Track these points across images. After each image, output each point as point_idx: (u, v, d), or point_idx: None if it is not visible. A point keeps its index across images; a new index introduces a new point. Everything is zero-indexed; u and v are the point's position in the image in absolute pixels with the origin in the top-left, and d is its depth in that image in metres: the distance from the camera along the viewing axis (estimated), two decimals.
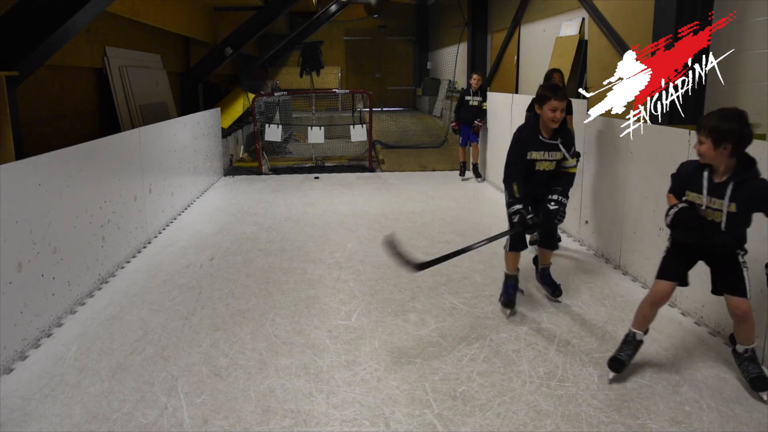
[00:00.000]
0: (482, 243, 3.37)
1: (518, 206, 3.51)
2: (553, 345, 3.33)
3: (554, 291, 3.97)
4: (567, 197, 3.70)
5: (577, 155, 3.89)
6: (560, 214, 3.68)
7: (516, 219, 3.49)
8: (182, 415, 2.69)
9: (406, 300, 4.01)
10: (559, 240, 4.74)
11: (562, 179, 3.70)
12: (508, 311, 3.74)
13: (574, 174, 3.77)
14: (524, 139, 3.66)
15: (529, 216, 3.51)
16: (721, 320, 3.39)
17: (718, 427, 2.59)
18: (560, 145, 3.65)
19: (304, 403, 2.78)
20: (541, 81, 5.45)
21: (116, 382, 2.97)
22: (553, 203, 3.63)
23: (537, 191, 3.71)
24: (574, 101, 5.40)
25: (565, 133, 3.68)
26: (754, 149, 3.11)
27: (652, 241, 4.10)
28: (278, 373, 3.05)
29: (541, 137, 3.65)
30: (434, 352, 3.27)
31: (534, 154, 3.65)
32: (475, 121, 8.07)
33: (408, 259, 3.14)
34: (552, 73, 5.40)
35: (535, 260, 4.18)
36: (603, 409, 2.72)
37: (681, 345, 3.33)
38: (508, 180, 3.64)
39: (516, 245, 3.79)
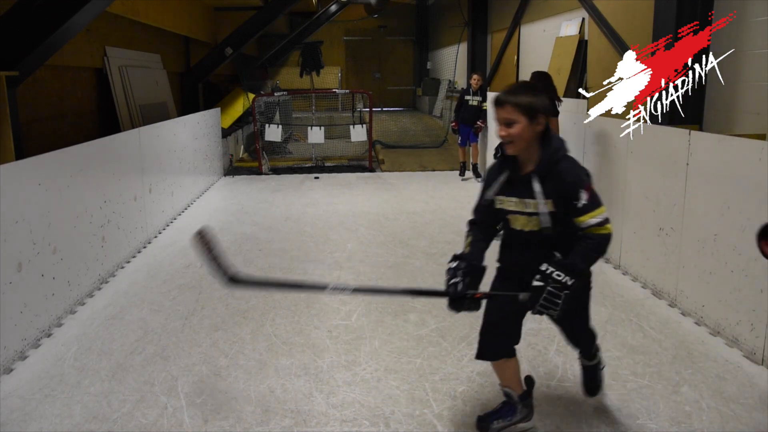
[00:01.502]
0: (400, 291, 2.45)
1: (454, 263, 2.26)
2: (553, 345, 3.33)
3: None
4: (575, 275, 2.13)
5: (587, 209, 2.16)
6: (549, 299, 2.13)
7: (446, 285, 2.24)
8: (182, 415, 2.69)
9: (406, 300, 4.01)
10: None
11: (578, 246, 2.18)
12: None
13: (602, 237, 2.17)
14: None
15: (458, 280, 2.21)
16: (721, 320, 3.39)
17: (718, 427, 2.58)
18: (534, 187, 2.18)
19: (304, 403, 2.78)
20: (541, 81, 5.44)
21: (116, 382, 2.97)
22: (542, 277, 2.15)
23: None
24: (575, 101, 5.40)
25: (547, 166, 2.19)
26: (754, 149, 3.11)
27: (652, 241, 4.10)
28: (278, 373, 3.05)
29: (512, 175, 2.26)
30: (434, 352, 3.27)
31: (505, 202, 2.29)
32: (478, 122, 8.10)
33: (222, 265, 2.30)
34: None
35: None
36: (603, 409, 2.72)
37: (681, 345, 3.33)
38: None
39: (487, 348, 2.40)
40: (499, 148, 5.21)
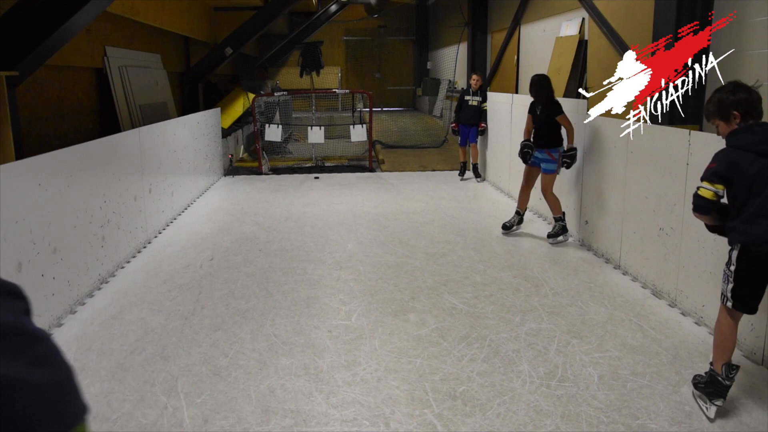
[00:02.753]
0: None
1: None
2: (553, 345, 3.33)
3: None
4: None
5: None
6: None
7: None
8: (182, 415, 2.69)
9: (406, 300, 4.01)
10: None
11: None
12: None
13: None
14: None
15: None
16: None
17: (718, 427, 2.59)
18: None
19: (304, 403, 2.78)
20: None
21: (116, 382, 2.97)
22: None
23: None
24: (575, 101, 5.40)
25: None
26: None
27: (652, 241, 4.10)
28: (278, 373, 3.05)
29: None
30: (434, 352, 3.27)
31: None
32: (482, 125, 8.14)
33: None
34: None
35: None
36: (603, 409, 2.72)
37: (681, 345, 3.33)
38: None
39: None
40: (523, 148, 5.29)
